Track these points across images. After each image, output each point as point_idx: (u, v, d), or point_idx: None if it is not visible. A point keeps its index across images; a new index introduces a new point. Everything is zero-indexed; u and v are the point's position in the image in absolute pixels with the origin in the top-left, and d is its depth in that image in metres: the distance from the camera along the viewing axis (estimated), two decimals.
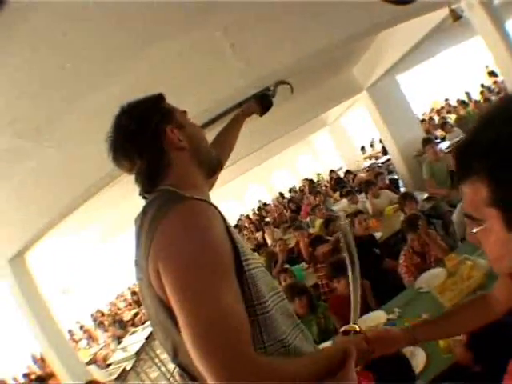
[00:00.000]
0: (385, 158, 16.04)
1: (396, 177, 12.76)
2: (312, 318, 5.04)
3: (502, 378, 1.48)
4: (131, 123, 1.80)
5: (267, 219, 17.55)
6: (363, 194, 10.42)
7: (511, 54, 6.20)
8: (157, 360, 10.22)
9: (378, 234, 7.50)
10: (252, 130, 10.17)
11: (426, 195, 8.53)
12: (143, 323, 13.25)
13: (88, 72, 3.93)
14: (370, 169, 15.33)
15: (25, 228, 5.56)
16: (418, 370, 3.38)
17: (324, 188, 16.86)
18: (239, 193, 24.90)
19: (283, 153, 21.39)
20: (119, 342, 12.81)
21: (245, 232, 16.90)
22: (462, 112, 15.35)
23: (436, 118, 17.47)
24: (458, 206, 6.14)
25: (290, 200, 17.54)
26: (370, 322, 4.39)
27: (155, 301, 1.58)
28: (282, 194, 22.46)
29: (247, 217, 20.80)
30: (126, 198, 9.36)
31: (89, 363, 11.28)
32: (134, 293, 17.17)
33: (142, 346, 10.23)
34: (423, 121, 16.29)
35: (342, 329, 1.93)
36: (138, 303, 16.08)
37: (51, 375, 9.48)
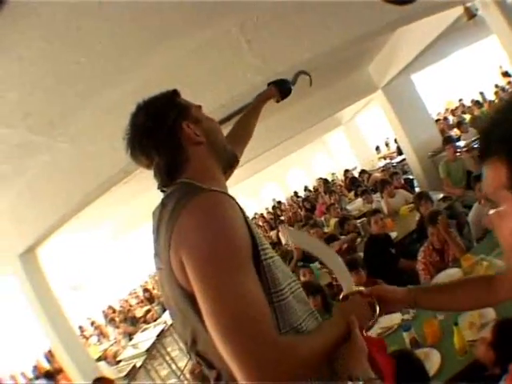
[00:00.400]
0: (400, 158, 15.98)
1: (411, 177, 12.69)
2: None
3: None
4: (148, 120, 1.82)
5: (282, 218, 17.53)
6: (378, 194, 10.37)
7: None
8: (167, 358, 10.23)
9: (393, 234, 7.45)
10: (267, 127, 10.20)
11: (441, 195, 8.50)
12: (155, 320, 13.28)
13: (102, 68, 3.91)
14: (384, 168, 15.28)
15: (36, 223, 5.56)
16: (433, 371, 3.34)
17: (339, 187, 16.80)
18: (253, 191, 24.94)
19: (298, 152, 21.42)
20: (130, 339, 12.82)
21: (259, 231, 16.86)
22: (477, 112, 15.25)
23: (451, 118, 17.37)
24: (473, 207, 6.09)
25: (305, 199, 17.50)
26: (385, 322, 4.34)
27: (177, 290, 1.61)
28: (296, 193, 22.42)
29: (261, 215, 20.76)
30: (136, 196, 9.38)
31: (99, 360, 11.27)
32: (145, 290, 17.20)
33: (153, 344, 10.24)
34: (438, 121, 16.18)
35: (341, 296, 1.94)
36: (149, 300, 16.11)
37: (60, 371, 9.51)
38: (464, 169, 8.89)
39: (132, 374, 9.34)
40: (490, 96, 16.88)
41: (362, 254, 6.94)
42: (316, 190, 18.53)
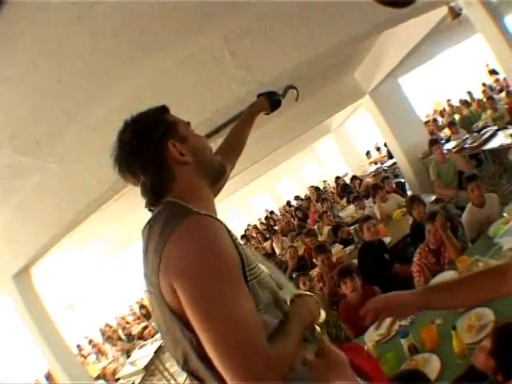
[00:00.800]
0: (390, 162, 16.04)
1: (402, 180, 12.70)
2: (323, 327, 4.96)
3: None
4: (133, 138, 1.81)
5: (276, 227, 17.52)
6: (370, 199, 10.37)
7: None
8: (166, 373, 10.18)
9: (386, 239, 7.43)
10: (256, 138, 10.20)
11: (433, 197, 8.51)
12: (152, 336, 13.21)
13: (86, 85, 3.88)
14: (376, 173, 15.30)
15: (29, 244, 5.52)
16: (433, 376, 3.32)
17: (331, 195, 16.81)
18: (245, 203, 24.93)
19: (288, 161, 21.44)
20: (128, 356, 12.74)
21: (253, 242, 16.87)
22: (465, 112, 15.29)
23: (440, 119, 17.42)
24: (466, 207, 6.09)
25: (297, 208, 17.50)
26: (382, 329, 4.30)
27: (166, 312, 1.63)
28: (288, 203, 22.42)
29: (254, 226, 20.73)
30: (128, 213, 9.35)
31: (97, 378, 11.24)
32: (142, 306, 17.12)
33: (151, 360, 10.18)
34: (427, 122, 16.23)
35: (288, 302, 1.97)
36: (146, 316, 16.02)
37: None
38: (455, 169, 8.88)
39: None
40: (478, 95, 16.92)
41: (356, 261, 6.92)
42: (308, 198, 18.52)
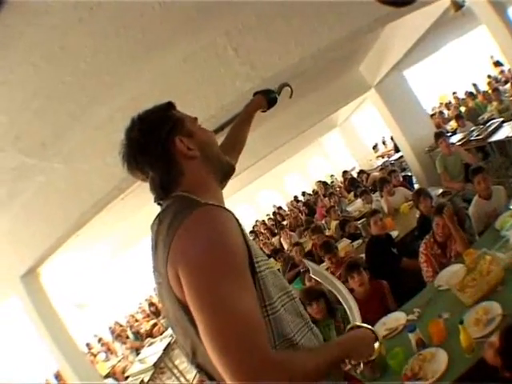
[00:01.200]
0: (397, 156, 15.98)
1: (409, 174, 12.67)
2: (330, 322, 4.97)
3: None
4: (141, 136, 1.84)
5: (284, 222, 17.52)
6: (377, 193, 10.34)
7: None
8: (175, 371, 10.19)
9: (394, 233, 7.42)
10: (262, 134, 10.20)
11: (440, 191, 8.46)
12: (161, 334, 13.23)
13: (89, 85, 3.88)
14: (383, 167, 15.27)
15: (35, 244, 5.53)
16: (441, 371, 3.30)
17: (338, 189, 16.78)
18: (253, 199, 24.97)
19: (295, 156, 21.45)
20: (137, 354, 12.77)
21: (261, 238, 16.87)
22: (471, 104, 15.23)
23: (446, 112, 17.37)
24: (473, 200, 6.06)
25: (304, 203, 17.49)
26: (390, 323, 4.31)
27: (175, 303, 1.63)
28: (296, 198, 22.41)
29: (262, 222, 20.74)
30: (136, 211, 9.36)
31: (107, 376, 11.27)
32: (151, 304, 17.14)
33: (160, 357, 10.20)
34: (433, 115, 16.17)
35: (349, 327, 2.04)
36: (155, 314, 16.05)
37: None
38: (462, 162, 8.85)
39: None
40: (483, 87, 16.86)
41: (363, 256, 6.91)
42: (316, 193, 18.51)
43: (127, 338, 15.02)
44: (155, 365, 9.95)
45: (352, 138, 21.83)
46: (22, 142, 4.02)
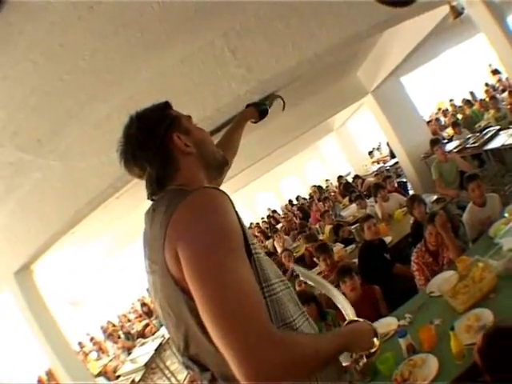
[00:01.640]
0: (393, 162, 16.01)
1: (404, 180, 12.70)
2: (321, 326, 4.98)
3: None
4: (139, 133, 1.91)
5: (278, 226, 17.53)
6: (372, 199, 10.37)
7: None
8: (167, 371, 10.20)
9: (387, 239, 7.43)
10: (259, 137, 10.21)
11: (434, 197, 8.49)
12: (153, 334, 13.23)
13: (87, 83, 3.88)
14: (378, 173, 15.30)
15: (30, 241, 5.53)
16: (431, 377, 3.32)
17: (333, 194, 16.82)
18: (248, 201, 24.94)
19: (291, 160, 21.47)
20: (129, 354, 12.76)
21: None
22: (468, 112, 15.29)
23: (442, 119, 17.42)
24: (467, 207, 6.09)
25: (299, 207, 17.51)
26: (381, 328, 4.32)
27: (170, 287, 1.63)
28: (290, 202, 22.44)
29: (257, 225, 20.74)
30: (131, 211, 9.36)
31: (98, 375, 11.26)
32: (143, 304, 17.14)
33: (152, 357, 10.20)
34: (429, 122, 16.21)
35: (346, 322, 2.07)
36: (148, 314, 16.04)
37: None
38: (457, 169, 8.87)
39: None
40: (481, 95, 16.92)
41: (356, 261, 6.92)
42: (311, 197, 18.54)
43: (119, 337, 15.01)
44: (146, 365, 9.97)
45: (348, 143, 21.87)
46: (19, 138, 4.02)
